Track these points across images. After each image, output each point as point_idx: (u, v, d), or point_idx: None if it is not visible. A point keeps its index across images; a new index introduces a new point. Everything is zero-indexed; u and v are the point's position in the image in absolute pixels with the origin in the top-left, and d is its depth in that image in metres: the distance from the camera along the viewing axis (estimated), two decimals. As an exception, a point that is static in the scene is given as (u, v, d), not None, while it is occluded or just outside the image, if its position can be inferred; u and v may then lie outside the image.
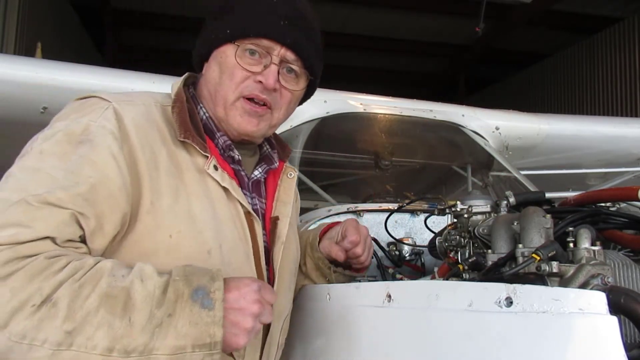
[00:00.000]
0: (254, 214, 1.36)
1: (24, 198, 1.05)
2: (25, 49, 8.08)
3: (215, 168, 1.30)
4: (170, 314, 1.02)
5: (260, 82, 1.33)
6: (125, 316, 1.00)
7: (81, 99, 1.28)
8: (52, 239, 1.05)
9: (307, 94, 1.52)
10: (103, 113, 1.21)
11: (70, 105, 1.27)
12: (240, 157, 1.40)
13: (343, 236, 1.58)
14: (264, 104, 1.36)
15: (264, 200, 1.46)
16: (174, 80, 1.42)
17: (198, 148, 1.29)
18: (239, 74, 1.33)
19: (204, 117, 1.39)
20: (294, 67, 1.38)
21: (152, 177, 1.20)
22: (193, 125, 1.31)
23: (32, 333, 0.96)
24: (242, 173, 1.41)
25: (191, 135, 1.28)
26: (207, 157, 1.30)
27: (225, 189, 1.31)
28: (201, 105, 1.40)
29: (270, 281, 1.39)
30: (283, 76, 1.37)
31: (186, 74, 1.44)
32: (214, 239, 1.25)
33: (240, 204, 1.33)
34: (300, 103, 1.53)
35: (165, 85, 1.44)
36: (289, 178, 1.53)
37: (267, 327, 1.38)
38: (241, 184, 1.37)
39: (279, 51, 1.34)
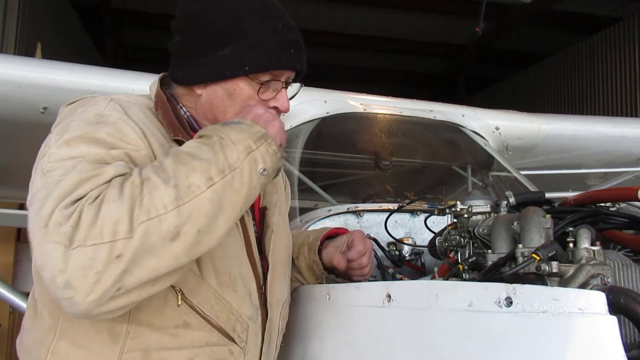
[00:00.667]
0: None
1: (83, 159, 1.12)
2: (25, 49, 8.07)
3: None
4: (221, 137, 1.17)
5: (276, 107, 1.38)
6: (196, 158, 1.12)
7: (72, 102, 1.32)
8: (122, 175, 1.12)
9: None
10: (108, 104, 1.26)
11: (65, 110, 1.30)
12: None
13: (349, 246, 1.62)
14: None
15: None
16: None
17: None
18: (252, 103, 1.34)
19: (185, 116, 1.42)
20: (291, 80, 1.42)
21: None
22: (179, 122, 1.35)
23: (153, 207, 1.05)
24: None
25: (181, 132, 1.33)
26: None
27: None
28: (181, 104, 1.43)
29: (265, 270, 1.44)
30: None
31: (161, 74, 1.46)
32: None
33: None
34: None
35: (166, 86, 1.44)
36: None
37: (266, 314, 1.42)
38: None
39: (288, 75, 1.38)
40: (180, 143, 1.29)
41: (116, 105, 1.27)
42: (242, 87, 1.35)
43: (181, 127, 1.34)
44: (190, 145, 1.18)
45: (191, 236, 1.07)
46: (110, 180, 1.09)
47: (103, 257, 1.00)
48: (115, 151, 1.16)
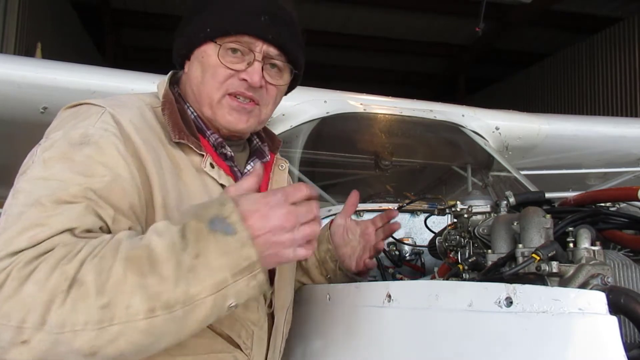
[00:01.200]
0: None
1: (37, 200, 1.04)
2: (25, 49, 8.08)
3: (212, 166, 1.31)
4: (197, 254, 0.98)
5: (245, 80, 1.32)
6: (154, 272, 0.96)
7: (71, 107, 1.26)
8: (71, 231, 1.02)
9: (290, 87, 1.50)
10: (100, 117, 1.19)
11: (62, 115, 1.25)
12: (232, 153, 1.39)
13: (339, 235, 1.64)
14: (251, 100, 1.36)
15: None
16: None
17: (193, 147, 1.28)
18: (222, 72, 1.32)
19: (193, 116, 1.37)
20: (277, 62, 1.37)
21: (160, 175, 1.19)
22: (185, 124, 1.30)
23: (71, 318, 0.93)
24: (236, 169, 1.41)
25: (185, 135, 1.28)
26: (203, 155, 1.30)
27: (222, 186, 1.31)
28: (188, 104, 1.39)
29: (271, 274, 1.38)
30: (267, 72, 1.36)
31: (170, 73, 1.43)
32: None
33: None
34: (285, 94, 1.51)
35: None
36: (281, 170, 1.53)
37: (272, 319, 1.39)
38: (236, 181, 1.36)
39: (261, 47, 1.32)
40: (182, 146, 1.27)
41: (108, 118, 1.19)
42: (209, 54, 1.32)
43: (187, 130, 1.30)
44: (162, 243, 0.99)
45: (112, 357, 0.96)
46: (52, 237, 0.99)
47: (7, 338, 0.93)
48: (81, 184, 1.06)
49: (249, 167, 1.46)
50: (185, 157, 1.28)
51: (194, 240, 0.99)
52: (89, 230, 1.05)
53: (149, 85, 2.83)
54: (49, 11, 9.47)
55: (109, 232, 1.08)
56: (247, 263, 1.00)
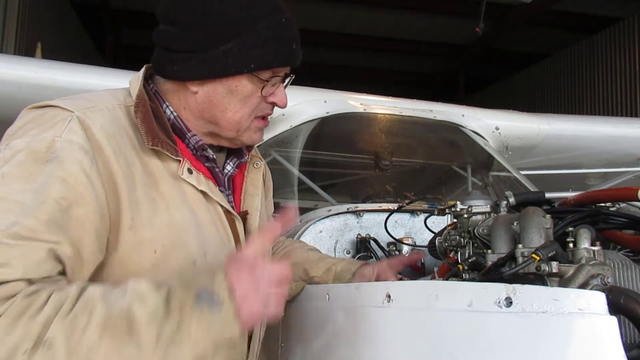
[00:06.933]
0: (234, 213, 1.34)
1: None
2: (25, 49, 8.08)
3: (190, 171, 1.23)
4: (179, 326, 0.96)
5: (274, 102, 1.31)
6: (132, 340, 0.93)
7: (36, 108, 1.16)
8: (29, 280, 0.96)
9: None
10: (67, 125, 1.09)
11: (26, 117, 1.14)
12: (214, 155, 1.33)
13: (379, 274, 1.65)
14: None
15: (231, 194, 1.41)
16: None
17: (169, 154, 1.20)
18: (255, 101, 1.28)
19: (172, 117, 1.28)
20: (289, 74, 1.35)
21: (130, 189, 1.12)
22: (160, 127, 1.21)
23: None
24: (217, 170, 1.35)
25: (160, 142, 1.18)
26: (180, 161, 1.22)
27: (202, 192, 1.25)
28: (167, 103, 1.29)
29: None
30: None
31: (144, 67, 1.31)
32: (198, 248, 1.21)
33: (220, 204, 1.29)
34: None
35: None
36: (255, 168, 1.47)
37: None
38: (217, 182, 1.33)
39: (286, 70, 1.31)
40: (157, 152, 1.19)
41: (76, 126, 1.10)
42: (245, 84, 1.24)
43: (163, 133, 1.20)
44: (144, 311, 0.95)
45: None
46: (9, 282, 0.93)
47: None
48: (39, 217, 0.98)
49: (228, 167, 1.40)
50: (160, 165, 1.20)
51: (177, 311, 0.97)
52: (47, 277, 0.99)
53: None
54: (49, 11, 9.46)
55: (64, 271, 1.03)
56: (229, 337, 1.00)
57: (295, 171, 2.64)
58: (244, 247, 1.13)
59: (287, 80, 1.33)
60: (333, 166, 3.29)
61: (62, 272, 1.03)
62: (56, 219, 1.01)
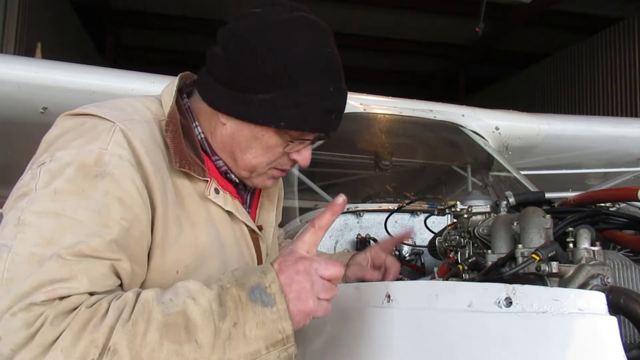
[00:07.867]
0: (259, 233, 1.35)
1: (57, 253, 0.96)
2: (25, 49, 8.08)
3: (217, 191, 1.23)
4: (235, 323, 0.98)
5: (295, 160, 1.28)
6: (191, 340, 0.95)
7: (74, 115, 1.13)
8: (92, 293, 0.98)
9: None
10: (112, 137, 1.08)
11: (63, 125, 1.12)
12: (238, 179, 1.32)
13: (373, 258, 1.64)
14: None
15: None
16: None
17: (196, 175, 1.19)
18: (277, 153, 1.25)
19: (200, 137, 1.27)
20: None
21: (164, 206, 1.12)
22: (189, 145, 1.20)
23: None
24: (243, 191, 1.36)
25: (187, 163, 1.17)
26: (207, 181, 1.22)
27: (229, 213, 1.26)
28: (197, 123, 1.27)
29: None
30: None
31: (178, 78, 1.28)
32: (220, 268, 1.20)
33: (245, 224, 1.30)
34: None
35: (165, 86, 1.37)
36: None
37: None
38: (243, 201, 1.34)
39: (319, 135, 1.28)
40: (185, 173, 1.17)
41: (121, 138, 1.08)
42: (271, 136, 1.21)
43: (192, 152, 1.19)
44: (198, 309, 0.98)
45: None
46: (72, 296, 0.95)
47: None
48: (102, 236, 1.00)
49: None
50: (188, 184, 1.20)
51: (232, 308, 0.99)
52: (107, 291, 1.02)
53: (148, 85, 2.84)
54: (49, 11, 9.47)
55: (121, 286, 1.06)
56: (281, 336, 1.01)
57: (295, 171, 2.64)
58: (296, 242, 1.11)
59: (317, 143, 1.30)
60: (333, 166, 3.29)
61: (120, 286, 1.05)
62: (118, 240, 1.02)
